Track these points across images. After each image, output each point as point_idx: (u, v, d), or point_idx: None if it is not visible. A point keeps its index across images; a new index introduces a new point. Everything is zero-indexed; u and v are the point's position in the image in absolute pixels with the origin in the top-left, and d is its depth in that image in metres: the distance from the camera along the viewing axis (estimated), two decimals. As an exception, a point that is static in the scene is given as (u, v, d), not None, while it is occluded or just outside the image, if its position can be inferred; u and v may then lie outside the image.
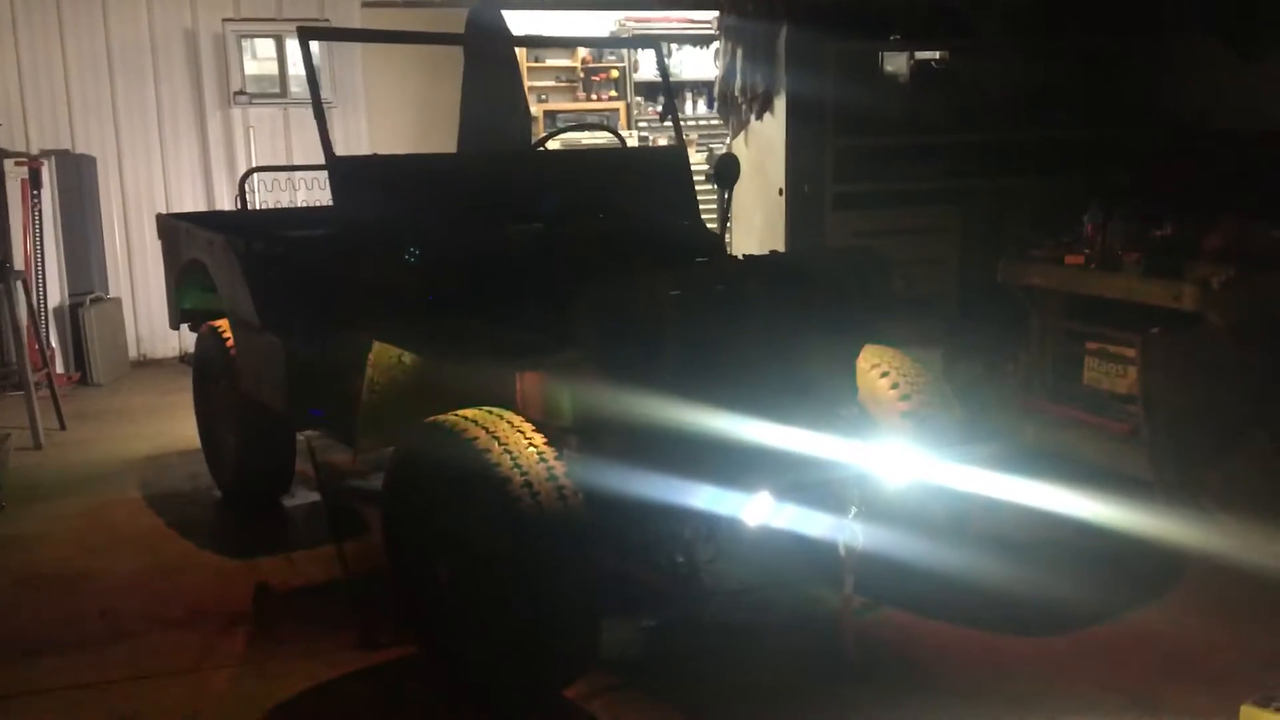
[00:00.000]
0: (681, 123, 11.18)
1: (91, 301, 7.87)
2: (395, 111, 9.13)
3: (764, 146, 7.97)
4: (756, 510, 3.13)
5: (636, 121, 11.78)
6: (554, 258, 4.04)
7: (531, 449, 3.20)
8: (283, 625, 4.04)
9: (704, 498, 3.12)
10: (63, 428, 6.65)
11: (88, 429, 6.73)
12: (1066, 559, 4.18)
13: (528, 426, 3.29)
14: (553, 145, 5.66)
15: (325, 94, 3.83)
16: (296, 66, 8.77)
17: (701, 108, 11.80)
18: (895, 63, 8.48)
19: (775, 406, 3.37)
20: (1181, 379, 4.53)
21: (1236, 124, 6.98)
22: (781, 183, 7.81)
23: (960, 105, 7.92)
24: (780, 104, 7.80)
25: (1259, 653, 3.52)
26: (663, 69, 5.00)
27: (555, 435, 3.37)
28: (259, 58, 8.92)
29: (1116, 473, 4.90)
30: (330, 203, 4.09)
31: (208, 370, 5.42)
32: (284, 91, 8.81)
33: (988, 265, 7.57)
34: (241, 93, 8.65)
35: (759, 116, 8.01)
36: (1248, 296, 4.51)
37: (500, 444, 3.19)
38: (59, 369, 7.66)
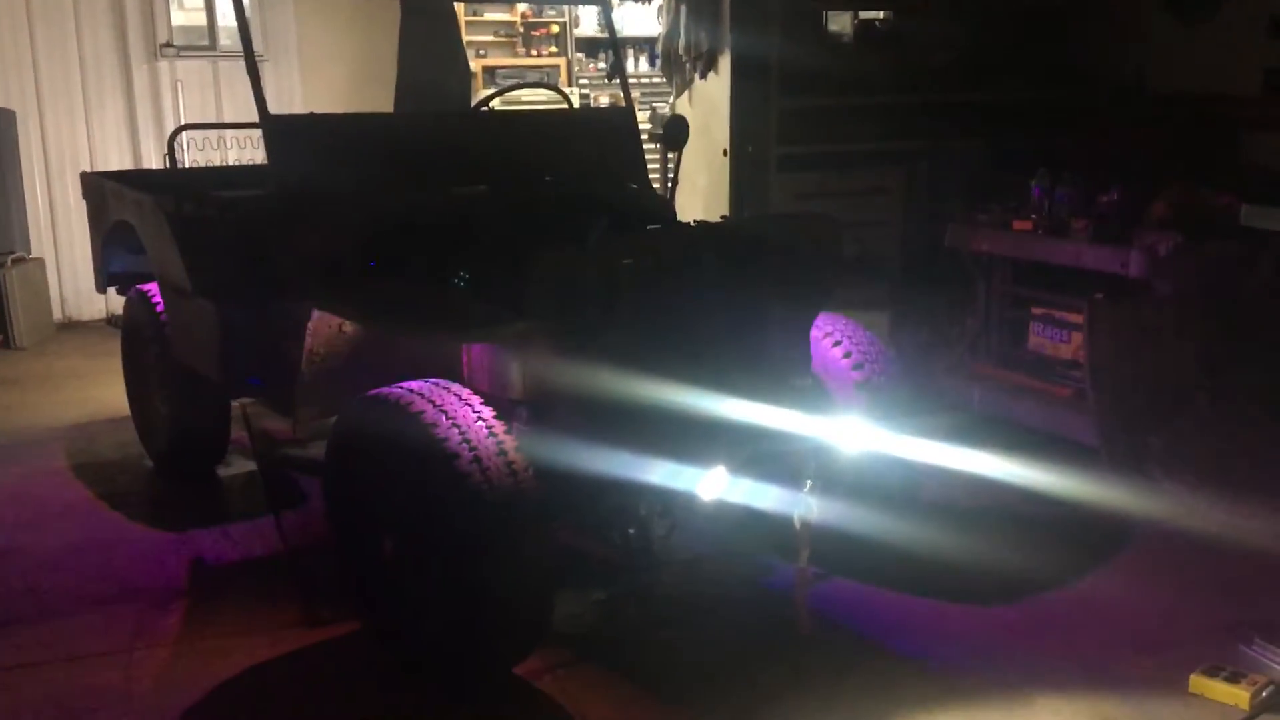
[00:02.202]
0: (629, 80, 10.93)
1: (13, 262, 7.57)
2: (329, 66, 8.86)
3: (708, 106, 7.86)
4: (711, 485, 3.07)
5: (577, 78, 11.59)
6: (499, 222, 3.93)
7: (480, 423, 3.11)
8: (220, 602, 3.90)
9: (658, 472, 3.05)
10: (-16, 394, 6.41)
11: (10, 395, 6.48)
12: (1015, 527, 4.19)
13: (476, 400, 3.19)
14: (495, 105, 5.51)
15: (257, 47, 3.65)
16: (226, 18, 8.48)
17: (644, 65, 11.63)
18: (839, 22, 8.41)
19: (730, 378, 3.31)
20: (1127, 346, 4.54)
21: (1176, 86, 7.02)
22: (726, 144, 7.71)
23: (903, 66, 7.88)
24: (725, 63, 7.67)
25: (1207, 621, 3.54)
26: (610, 27, 4.87)
27: (504, 408, 3.28)
28: (186, 8, 8.60)
29: (1062, 438, 4.92)
30: (263, 162, 3.93)
31: (137, 336, 5.22)
32: (213, 44, 8.51)
33: (930, 228, 7.62)
34: (169, 45, 8.34)
35: (703, 75, 7.88)
36: (1193, 263, 4.53)
37: (448, 418, 3.09)
38: (-21, 332, 7.38)
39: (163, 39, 8.30)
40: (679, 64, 8.05)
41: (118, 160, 8.26)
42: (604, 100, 11.69)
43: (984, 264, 5.50)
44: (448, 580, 3.07)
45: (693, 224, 3.77)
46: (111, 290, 5.63)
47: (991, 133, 7.66)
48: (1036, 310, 5.38)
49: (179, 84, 8.35)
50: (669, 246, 3.38)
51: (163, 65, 8.34)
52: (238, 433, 5.16)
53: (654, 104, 11.19)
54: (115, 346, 5.59)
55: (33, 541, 4.40)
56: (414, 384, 3.25)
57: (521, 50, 11.55)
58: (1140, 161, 5.94)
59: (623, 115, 4.78)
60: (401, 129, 4.33)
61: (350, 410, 3.36)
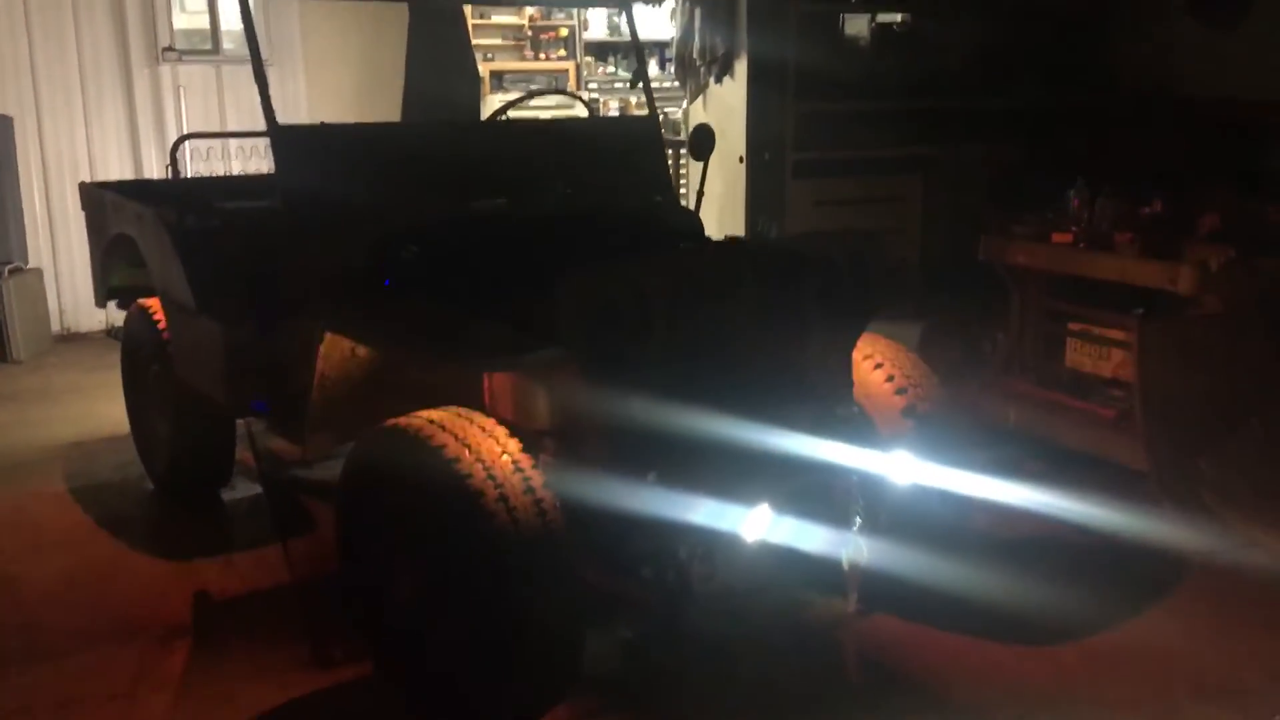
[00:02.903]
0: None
1: (10, 272, 7.34)
2: (335, 70, 8.64)
3: (723, 111, 7.67)
4: (755, 524, 2.86)
5: (586, 83, 11.39)
6: (520, 237, 3.72)
7: (506, 457, 2.90)
8: (225, 640, 3.69)
9: (698, 510, 2.83)
10: (-21, 410, 6.20)
11: (6, 412, 6.27)
12: (1067, 561, 3.96)
13: (500, 430, 2.98)
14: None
15: (261, 51, 3.48)
16: (229, 20, 8.26)
17: (653, 69, 11.44)
18: (856, 26, 8.23)
19: (771, 407, 3.10)
20: (1178, 366, 4.33)
21: (1200, 90, 6.82)
22: (742, 149, 7.53)
23: (921, 70, 7.72)
24: (741, 67, 7.52)
25: (1273, 665, 3.33)
26: (633, 30, 4.65)
27: (529, 439, 3.06)
28: (189, 10, 8.39)
29: (1106, 461, 4.71)
30: (269, 171, 3.71)
31: (138, 353, 5.01)
32: (216, 48, 8.29)
33: (950, 237, 7.43)
34: (170, 49, 8.12)
35: (718, 80, 7.72)
36: (1246, 279, 4.31)
37: (471, 451, 2.88)
38: (-26, 345, 7.17)
39: (164, 43, 8.09)
40: (693, 68, 7.88)
41: (118, 168, 8.04)
42: (613, 105, 11.49)
43: (1018, 277, 5.28)
44: (470, 624, 2.86)
45: (728, 241, 3.57)
46: (112, 302, 5.43)
47: (1011, 139, 7.48)
48: (1074, 326, 5.17)
49: (181, 89, 8.13)
50: (705, 267, 3.17)
51: (164, 69, 8.12)
52: (242, 452, 4.95)
53: (664, 109, 11.02)
54: (115, 360, 5.38)
55: (29, 572, 4.19)
56: (434, 413, 3.04)
57: (530, 54, 11.34)
58: (1167, 169, 5.75)
59: (646, 124, 4.57)
60: (416, 139, 4.12)
61: (365, 442, 3.14)
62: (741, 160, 7.53)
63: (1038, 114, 7.64)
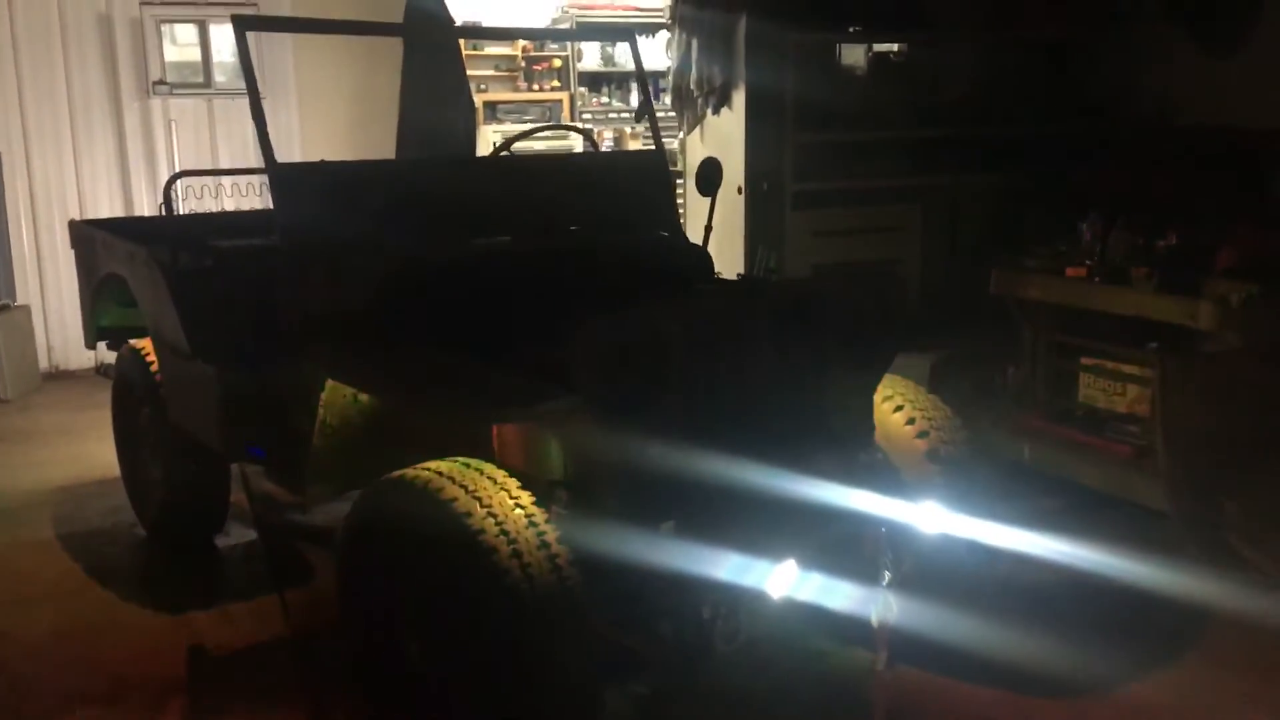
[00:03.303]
0: (627, 115, 10.65)
1: (-3, 310, 7.23)
2: (328, 103, 8.54)
3: (721, 142, 7.58)
4: (781, 580, 2.73)
5: (580, 114, 11.31)
6: (525, 277, 3.61)
7: (519, 510, 2.77)
8: (222, 699, 3.54)
9: (721, 566, 2.70)
10: (-36, 453, 6.04)
11: (-7, 454, 6.12)
12: (1091, 609, 3.82)
13: (512, 482, 2.85)
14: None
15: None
16: (221, 54, 8.17)
17: (647, 99, 11.37)
18: (852, 55, 8.17)
19: (793, 454, 2.98)
20: (1202, 403, 4.22)
21: (1200, 119, 6.76)
22: (740, 180, 7.43)
23: (919, 100, 7.66)
24: (739, 98, 7.43)
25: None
26: (638, 62, 4.56)
27: (542, 489, 2.94)
28: (179, 43, 8.28)
29: (1124, 500, 4.59)
30: (263, 206, 3.59)
31: (129, 395, 4.86)
32: (208, 81, 8.18)
33: (950, 266, 7.35)
34: (161, 82, 8.01)
35: (715, 111, 7.64)
36: (1269, 315, 4.21)
37: (482, 505, 2.75)
38: (-40, 384, 7.01)
39: (155, 76, 7.98)
40: (690, 99, 7.79)
41: (108, 203, 7.92)
42: (608, 136, 11.41)
43: (1029, 310, 5.18)
44: (482, 684, 2.73)
45: (744, 282, 3.46)
46: (102, 342, 5.28)
47: (1011, 168, 7.42)
48: (1087, 360, 5.07)
49: (173, 122, 8.02)
50: (723, 310, 3.06)
51: (155, 103, 8.02)
52: (236, 494, 4.79)
53: (660, 138, 10.96)
54: (105, 399, 5.23)
55: (15, 627, 4.03)
56: (443, 464, 2.91)
57: (523, 85, 11.27)
58: (1177, 200, 5.67)
59: (652, 158, 4.47)
60: (418, 176, 4.00)
61: (370, 494, 3.00)
62: (740, 191, 7.44)
63: (1037, 143, 7.58)
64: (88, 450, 6.03)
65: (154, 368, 4.52)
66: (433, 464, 2.93)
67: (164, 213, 4.90)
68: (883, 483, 3.04)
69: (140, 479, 4.91)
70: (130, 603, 4.23)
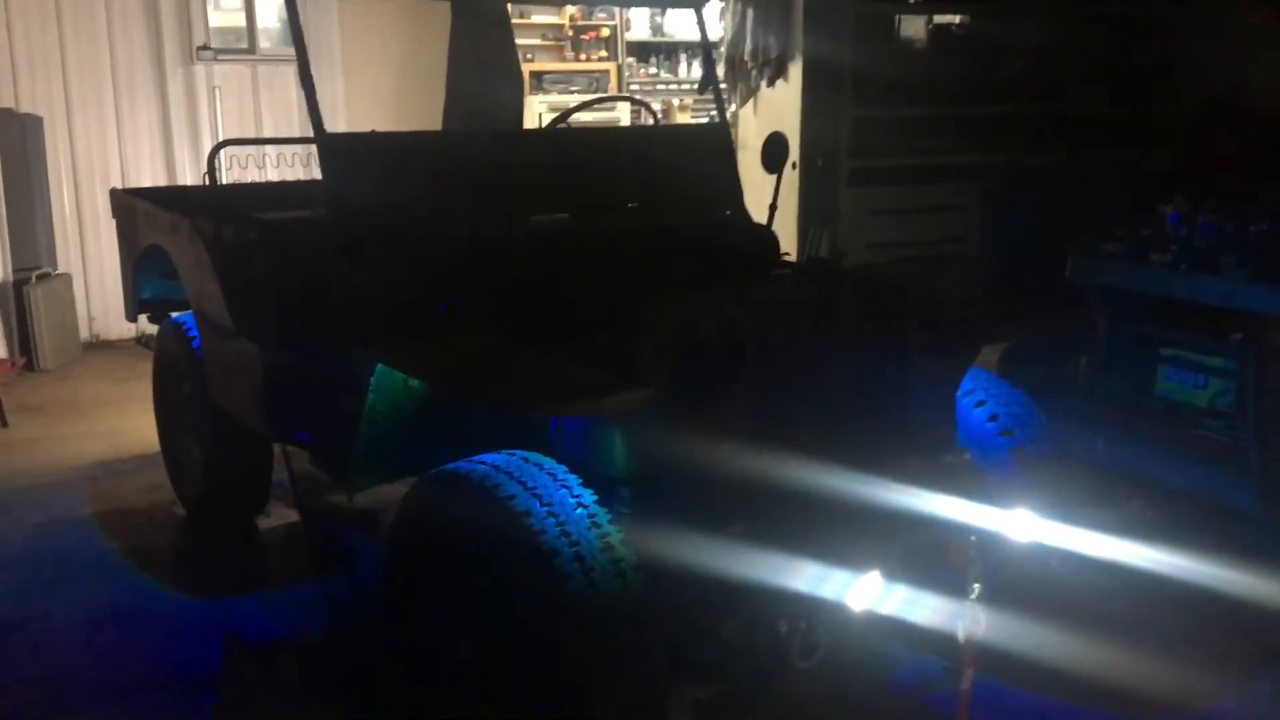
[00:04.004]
0: (675, 87, 10.38)
1: (38, 278, 7.11)
2: (374, 71, 8.36)
3: (775, 116, 7.34)
4: (863, 592, 2.53)
5: (628, 84, 11.08)
6: (586, 257, 3.41)
7: (580, 510, 2.58)
8: (261, 694, 3.40)
9: (799, 576, 2.51)
10: (4, 424, 5.93)
11: (33, 426, 6.01)
12: (1184, 620, 3.59)
13: (573, 479, 2.67)
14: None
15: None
16: (266, 18, 8.00)
17: (696, 70, 11.11)
18: (912, 27, 7.90)
19: (874, 455, 2.77)
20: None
21: (1265, 96, 6.44)
22: (795, 155, 7.19)
23: (980, 74, 7.38)
24: (795, 70, 7.19)
25: None
26: (703, 31, 4.33)
27: (603, 486, 2.75)
28: (224, 8, 8.14)
29: (1210, 501, 4.34)
30: (309, 177, 3.41)
31: (170, 371, 4.73)
32: (252, 47, 8.03)
33: (1010, 247, 7.08)
34: (205, 47, 7.86)
35: (770, 83, 7.39)
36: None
37: (542, 503, 2.57)
38: (1, 353, 6.91)
39: (199, 41, 7.83)
40: (743, 70, 7.55)
41: (150, 170, 7.79)
42: (655, 108, 11.15)
43: (1106, 298, 4.92)
44: (539, 696, 2.55)
45: (816, 266, 3.24)
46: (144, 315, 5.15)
47: (1076, 147, 7.14)
48: (1166, 351, 4.80)
49: (216, 89, 7.87)
50: (798, 297, 2.85)
51: (199, 69, 7.87)
52: (279, 472, 4.64)
53: (710, 112, 10.70)
54: (144, 368, 5.10)
55: (51, 610, 3.90)
56: (498, 458, 2.73)
57: (570, 54, 11.04)
58: (1243, 178, 5.39)
59: (715, 132, 4.25)
60: (473, 149, 3.80)
61: (422, 487, 2.83)
62: (794, 166, 7.20)
63: (1104, 121, 7.30)
64: (127, 423, 5.92)
65: (196, 344, 4.37)
66: (489, 457, 2.75)
67: (207, 182, 4.75)
68: (971, 487, 2.83)
69: (180, 457, 4.78)
70: (168, 587, 4.10)
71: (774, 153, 4.04)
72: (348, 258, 3.30)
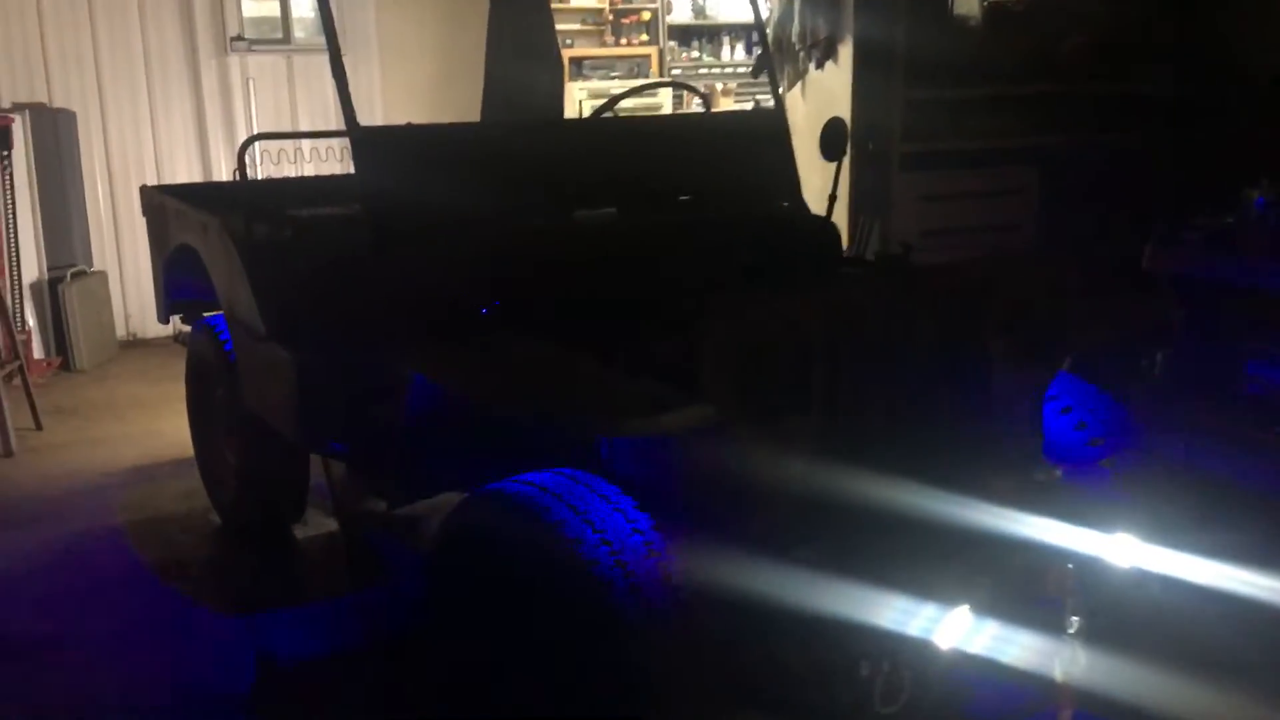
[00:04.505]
0: (718, 71, 10.15)
1: (73, 276, 6.98)
2: (411, 59, 8.16)
3: (825, 99, 7.06)
4: (952, 630, 2.28)
5: (669, 69, 10.81)
6: (635, 254, 3.18)
7: (637, 537, 2.36)
8: (293, 717, 3.22)
9: (881, 611, 2.27)
10: (38, 427, 5.80)
11: (67, 428, 5.88)
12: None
13: (627, 502, 2.44)
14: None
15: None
16: (301, 8, 7.83)
17: (740, 53, 10.84)
18: (967, 4, 7.59)
19: (958, 473, 2.53)
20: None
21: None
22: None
23: (1038, 53, 7.07)
24: (845, 51, 6.92)
25: None
26: (755, 11, 4.09)
27: (658, 508, 2.52)
28: (258, -1, 7.98)
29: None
30: (343, 171, 3.20)
31: (203, 375, 4.56)
32: (287, 37, 7.86)
33: (1069, 233, 6.79)
34: (240, 38, 7.69)
35: (819, 65, 7.12)
36: None
37: (595, 530, 2.34)
38: (37, 353, 6.79)
39: (233, 32, 7.67)
40: (791, 52, 7.29)
41: (185, 164, 7.64)
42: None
43: (1187, 288, 4.63)
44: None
45: (887, 262, 2.99)
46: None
47: (1136, 128, 6.83)
48: (1252, 345, 4.51)
49: (251, 80, 7.70)
50: (875, 299, 2.60)
51: (233, 60, 7.71)
52: (316, 478, 4.46)
53: (756, 96, 10.42)
54: (182, 369, 4.93)
55: (81, 627, 3.75)
56: (546, 478, 2.51)
57: (610, 39, 10.78)
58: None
59: (770, 118, 3.99)
60: (514, 141, 3.58)
61: (463, 510, 2.62)
62: (845, 152, 6.92)
63: (1167, 101, 6.98)
64: (163, 425, 5.78)
65: (229, 346, 4.19)
66: (535, 476, 2.54)
67: (238, 178, 4.57)
68: (1066, 507, 2.57)
69: (215, 463, 4.62)
70: (203, 601, 3.93)
71: (833, 140, 3.80)
72: (382, 257, 3.09)
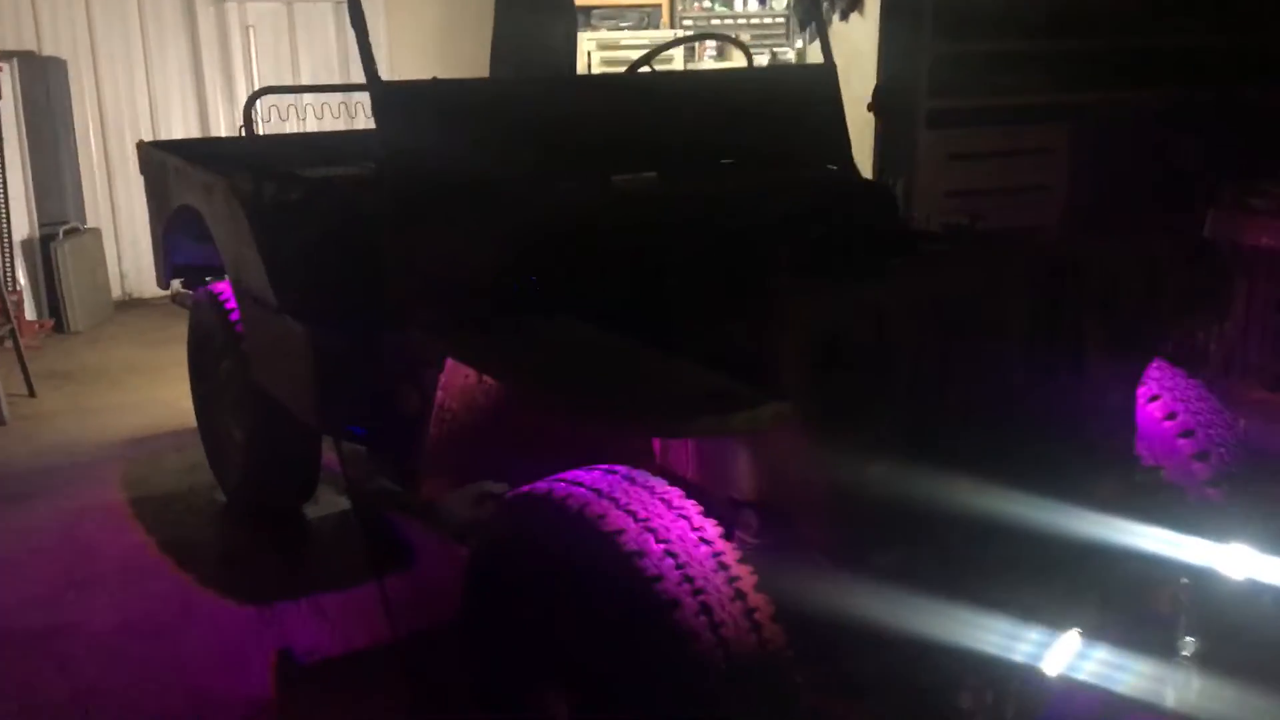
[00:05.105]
0: (731, 22, 9.80)
1: (65, 234, 6.69)
2: (417, 10, 7.81)
3: (848, 53, 6.71)
4: (1061, 655, 2.05)
5: (680, 19, 10.44)
6: (679, 224, 2.91)
7: (703, 547, 2.12)
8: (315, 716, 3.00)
9: (981, 634, 2.03)
10: (31, 394, 5.54)
11: (62, 395, 5.62)
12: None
13: (691, 507, 2.20)
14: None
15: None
16: (302, -48, 7.45)
17: (753, 4, 10.48)
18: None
19: (1057, 477, 2.28)
20: None
21: None
22: (869, 97, 6.62)
23: (1071, 4, 6.77)
24: (872, 2, 6.63)
25: None
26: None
27: (723, 511, 2.28)
28: (256, -60, 7.60)
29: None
30: (355, 127, 2.93)
31: (206, 346, 4.29)
32: (288, -17, 7.50)
33: (1101, 193, 6.54)
34: (237, -17, 7.35)
35: (844, 16, 6.82)
36: None
37: (658, 540, 2.10)
38: (29, 315, 6.50)
39: (231, -23, 7.32)
40: (815, 3, 6.98)
41: (181, 117, 7.32)
42: (710, 45, 10.53)
43: (1251, 260, 4.38)
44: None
45: (962, 235, 2.73)
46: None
47: (1174, 84, 6.54)
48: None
49: (250, 29, 7.35)
50: (962, 281, 2.34)
51: (231, 7, 7.36)
52: (327, 454, 4.21)
53: (774, 49, 10.07)
54: (179, 330, 4.68)
55: (81, 617, 3.51)
56: (597, 477, 2.26)
57: (619, -15, 10.40)
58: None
59: (820, 75, 3.70)
60: (547, 98, 3.29)
61: (505, 513, 2.37)
62: (870, 108, 6.63)
63: (1206, 56, 6.69)
64: (162, 393, 5.52)
65: (234, 316, 3.92)
66: (584, 474, 2.29)
67: (244, 134, 4.28)
68: (1174, 513, 2.33)
69: (220, 439, 4.35)
70: (209, 589, 3.69)
71: (888, 101, 3.52)
72: (407, 225, 2.82)
